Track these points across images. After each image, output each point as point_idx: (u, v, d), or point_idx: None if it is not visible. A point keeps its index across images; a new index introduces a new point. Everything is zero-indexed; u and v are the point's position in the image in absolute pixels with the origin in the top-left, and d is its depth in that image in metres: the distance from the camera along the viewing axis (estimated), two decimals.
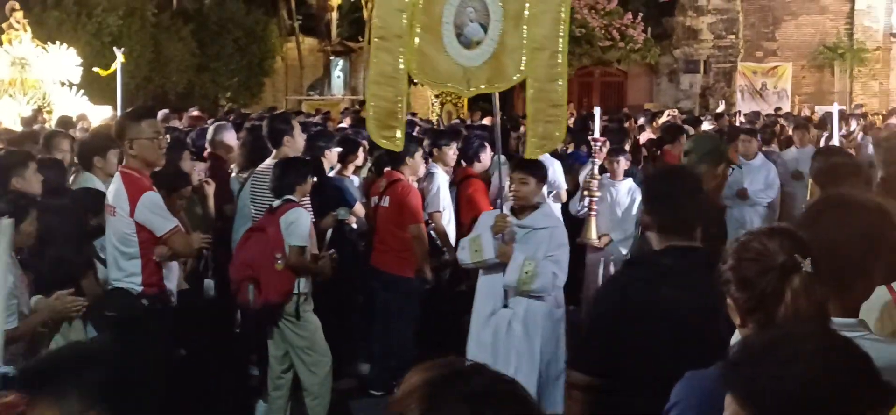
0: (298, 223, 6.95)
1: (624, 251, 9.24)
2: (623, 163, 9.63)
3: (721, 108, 24.09)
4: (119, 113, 12.73)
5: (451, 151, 9.19)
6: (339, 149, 8.87)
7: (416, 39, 6.65)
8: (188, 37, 26.23)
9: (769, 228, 2.72)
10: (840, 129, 16.20)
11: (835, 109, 6.86)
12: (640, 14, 26.32)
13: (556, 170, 10.31)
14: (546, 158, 9.73)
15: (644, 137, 13.36)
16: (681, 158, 11.40)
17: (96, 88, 17.40)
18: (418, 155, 8.52)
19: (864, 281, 2.89)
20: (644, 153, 12.22)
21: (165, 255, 6.08)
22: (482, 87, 6.58)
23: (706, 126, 15.95)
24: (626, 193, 9.50)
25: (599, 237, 9.05)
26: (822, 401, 1.97)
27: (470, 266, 6.93)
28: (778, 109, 26.07)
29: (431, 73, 6.76)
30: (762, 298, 2.60)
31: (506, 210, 6.75)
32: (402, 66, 6.66)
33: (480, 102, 26.11)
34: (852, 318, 2.80)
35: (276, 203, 7.07)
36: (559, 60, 6.14)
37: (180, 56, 25.53)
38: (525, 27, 6.20)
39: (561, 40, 6.14)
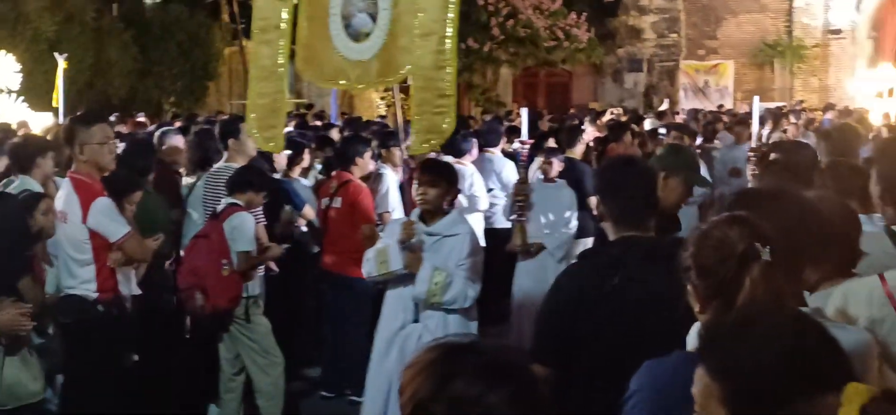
0: (242, 228, 6.92)
1: (558, 256, 8.98)
2: (556, 165, 9.34)
3: (664, 106, 24.33)
4: (61, 120, 12.60)
5: (399, 152, 9.20)
6: (288, 152, 8.86)
7: (303, 33, 6.21)
8: (130, 41, 25.90)
9: (730, 217, 2.76)
10: (780, 126, 16.54)
11: (756, 103, 6.94)
12: (584, 14, 26.46)
13: (507, 171, 10.38)
14: (465, 169, 9.80)
15: (589, 135, 13.44)
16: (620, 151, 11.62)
17: (36, 95, 17.18)
18: (367, 155, 8.54)
19: (799, 271, 2.96)
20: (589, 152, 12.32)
21: (120, 260, 6.04)
22: (372, 82, 6.18)
23: (648, 124, 16.14)
24: (560, 195, 9.22)
25: (531, 244, 8.84)
26: (793, 377, 2.03)
27: (377, 279, 6.42)
28: (720, 106, 26.41)
29: (318, 68, 6.29)
30: (721, 285, 2.64)
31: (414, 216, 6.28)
32: (281, 60, 6.22)
33: None
34: (802, 306, 2.85)
35: (220, 207, 7.05)
36: (447, 47, 5.56)
37: (122, 61, 25.20)
38: (418, 14, 5.64)
39: (449, 25, 5.57)
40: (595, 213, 10.33)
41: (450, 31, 5.57)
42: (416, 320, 6.20)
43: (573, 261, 10.24)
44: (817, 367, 2.05)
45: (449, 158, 9.73)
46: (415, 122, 5.78)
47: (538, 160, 9.53)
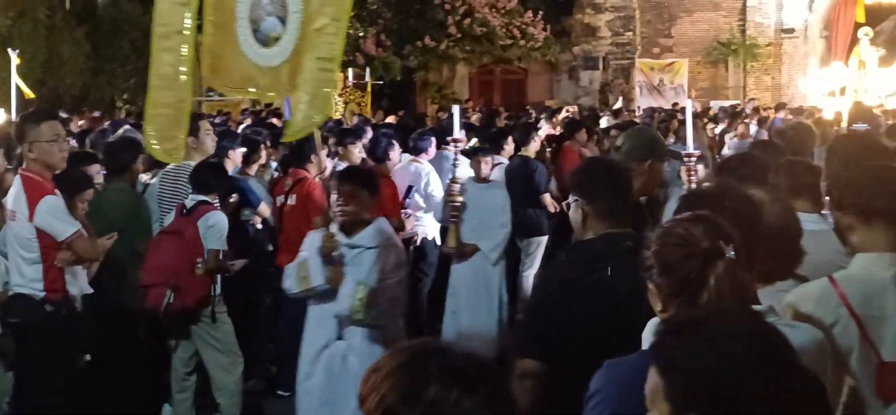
0: (218, 227, 6.90)
1: (493, 257, 8.86)
2: (489, 163, 9.24)
3: (618, 104, 24.46)
4: (14, 116, 12.45)
5: (357, 150, 9.20)
6: (243, 149, 8.82)
7: (209, 39, 5.85)
8: (82, 38, 25.59)
9: (693, 215, 2.76)
10: (734, 125, 16.71)
11: (689, 105, 6.96)
12: (540, 12, 26.57)
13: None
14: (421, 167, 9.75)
15: (544, 133, 13.53)
16: (580, 154, 11.70)
17: None
18: (323, 153, 8.52)
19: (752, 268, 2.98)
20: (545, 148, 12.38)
21: (68, 259, 5.97)
22: (283, 90, 5.71)
23: (604, 122, 16.24)
24: (493, 195, 9.06)
25: (465, 246, 8.66)
26: (740, 380, 2.00)
27: (298, 296, 6.07)
28: (675, 104, 26.59)
29: (226, 76, 5.92)
30: (685, 283, 2.63)
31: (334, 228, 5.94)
32: (184, 68, 5.86)
33: (382, 101, 26.12)
34: (756, 303, 2.85)
35: (189, 204, 6.99)
36: (337, 32, 5.36)
37: (75, 58, 24.91)
38: (325, 9, 5.40)
39: (344, 11, 5.44)
40: (550, 211, 10.47)
41: (344, 16, 5.47)
42: (340, 338, 5.89)
43: (534, 260, 10.27)
44: (764, 372, 2.02)
45: (407, 156, 9.79)
46: (295, 109, 5.51)
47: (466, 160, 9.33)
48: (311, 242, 5.98)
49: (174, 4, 5.90)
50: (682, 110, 22.34)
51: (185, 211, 7.01)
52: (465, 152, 11.20)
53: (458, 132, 8.48)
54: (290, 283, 6.00)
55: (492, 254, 8.86)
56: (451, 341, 6.26)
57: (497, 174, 10.59)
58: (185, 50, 5.86)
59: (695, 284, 2.61)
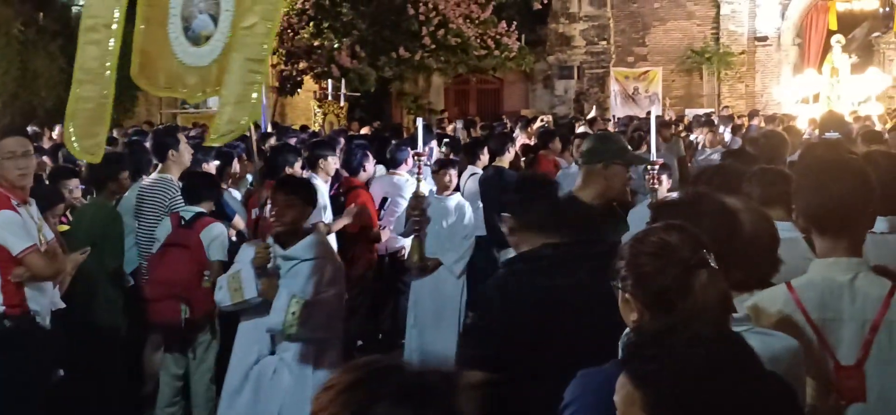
0: (221, 238, 6.91)
1: (457, 271, 8.67)
2: (452, 176, 9.06)
3: (592, 113, 24.53)
4: None
5: (329, 160, 9.19)
6: (217, 162, 8.80)
7: (139, 37, 5.62)
8: (57, 52, 25.43)
9: (665, 224, 2.74)
10: (702, 132, 16.79)
11: (653, 112, 6.98)
12: (515, 22, 26.61)
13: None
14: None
15: (519, 142, 13.55)
16: (555, 163, 11.74)
17: None
18: (297, 165, 8.51)
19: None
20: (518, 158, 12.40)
21: (23, 275, 5.88)
22: (210, 90, 5.41)
23: (580, 131, 16.28)
24: (455, 208, 8.85)
25: (427, 260, 8.52)
26: (708, 389, 2.01)
27: (230, 309, 5.85)
28: (648, 113, 26.65)
29: (153, 76, 5.65)
30: (663, 293, 2.59)
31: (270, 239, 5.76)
32: (109, 62, 5.58)
33: (357, 111, 26.06)
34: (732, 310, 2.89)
35: (187, 216, 6.96)
36: (267, 33, 5.07)
37: (48, 71, 24.76)
38: (255, 8, 5.10)
39: (274, 11, 5.16)
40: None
41: (270, 23, 5.12)
42: (272, 353, 5.69)
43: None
44: (730, 382, 2.04)
45: (381, 168, 9.79)
46: (220, 112, 5.14)
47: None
48: (245, 253, 5.78)
49: None
50: (658, 118, 22.49)
51: (183, 223, 6.96)
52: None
53: (422, 146, 8.43)
54: (222, 295, 5.75)
55: (455, 267, 8.69)
56: (407, 357, 6.12)
57: (471, 185, 10.59)
58: (112, 44, 5.60)
59: (675, 294, 2.57)
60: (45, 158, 10.34)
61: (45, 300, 6.08)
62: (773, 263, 3.34)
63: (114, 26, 5.61)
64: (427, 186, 10.23)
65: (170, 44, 5.46)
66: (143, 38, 5.61)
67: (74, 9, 28.40)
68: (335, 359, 5.67)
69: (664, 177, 8.49)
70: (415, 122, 19.36)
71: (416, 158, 8.42)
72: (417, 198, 8.15)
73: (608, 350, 3.09)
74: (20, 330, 5.89)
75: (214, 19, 5.28)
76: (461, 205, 8.90)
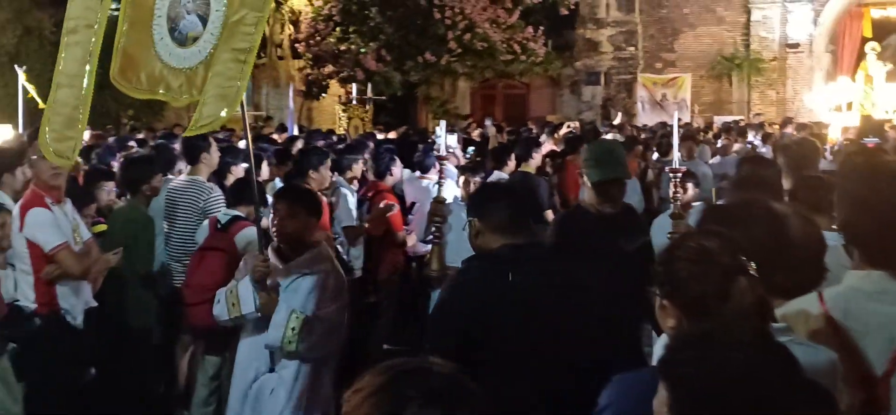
0: (256, 242, 6.87)
1: None
2: (477, 183, 8.60)
3: (618, 119, 24.40)
4: (21, 131, 12.47)
5: (358, 165, 9.16)
6: (246, 165, 8.77)
7: (122, 38, 5.36)
8: None
9: (704, 230, 2.75)
10: (735, 140, 16.64)
11: (675, 119, 6.89)
12: (541, 27, 26.54)
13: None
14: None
15: (546, 148, 13.48)
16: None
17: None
18: (324, 168, 8.46)
19: (770, 287, 2.92)
20: (548, 164, 12.33)
21: (53, 272, 5.98)
22: (196, 93, 5.07)
23: (608, 138, 16.18)
24: None
25: (448, 269, 7.72)
26: (748, 399, 1.98)
27: (228, 323, 5.61)
28: (679, 119, 26.48)
29: (135, 77, 5.33)
30: (701, 298, 2.57)
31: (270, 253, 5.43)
32: (88, 67, 5.37)
33: (381, 116, 26.05)
34: (773, 320, 2.81)
35: (224, 219, 6.95)
36: (256, 24, 4.81)
37: None
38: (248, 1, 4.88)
39: (264, 2, 4.90)
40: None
41: (260, 16, 4.87)
42: (272, 370, 5.45)
43: None
44: (771, 392, 2.00)
45: (407, 172, 9.72)
46: (201, 103, 4.89)
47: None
48: (245, 265, 5.54)
49: (87, 1, 5.42)
50: (686, 126, 22.37)
51: (219, 226, 6.95)
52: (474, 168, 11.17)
53: (443, 150, 8.01)
54: (220, 309, 5.51)
55: None
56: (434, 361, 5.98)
57: None
58: (93, 43, 5.37)
59: (714, 300, 2.55)
60: (78, 159, 10.39)
61: (77, 299, 6.17)
62: (820, 270, 3.30)
63: (95, 26, 5.39)
64: (454, 190, 10.17)
65: (154, 45, 5.23)
66: (126, 40, 5.35)
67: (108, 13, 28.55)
68: (335, 377, 5.44)
69: (690, 185, 8.39)
70: (438, 128, 19.40)
71: (438, 162, 7.96)
72: (438, 203, 7.98)
73: (559, 347, 3.69)
74: (50, 328, 6.00)
75: (203, 20, 5.05)
76: None
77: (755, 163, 6.82)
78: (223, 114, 4.85)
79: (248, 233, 6.86)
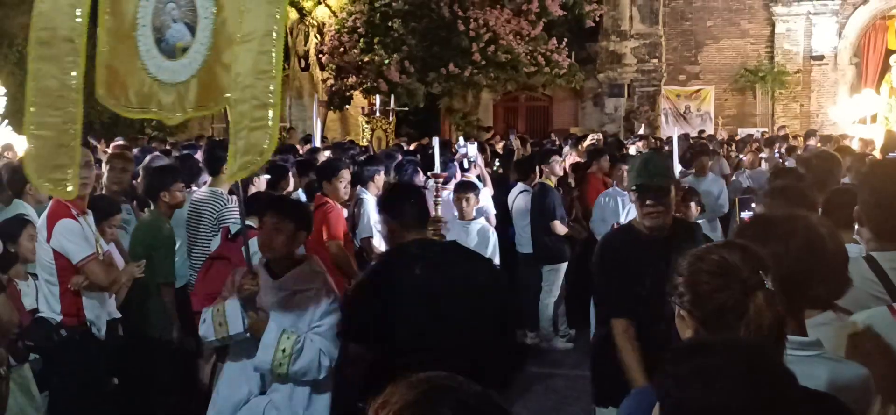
0: None
1: None
2: (473, 201, 8.71)
3: (642, 131, 24.36)
4: None
5: (380, 176, 9.19)
6: (267, 176, 8.83)
7: (104, 49, 4.91)
8: None
9: (727, 243, 2.71)
10: (773, 151, 16.57)
11: (675, 133, 6.75)
12: (565, 40, 26.52)
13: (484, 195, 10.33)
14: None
15: (569, 160, 13.51)
16: (604, 180, 11.69)
17: (21, 118, 17.10)
18: (344, 173, 8.49)
19: (806, 299, 2.94)
20: (570, 176, 12.35)
21: (81, 283, 5.98)
22: (190, 109, 4.70)
23: (633, 150, 16.18)
24: (478, 234, 8.51)
25: None
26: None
27: (215, 344, 5.27)
28: (702, 131, 26.46)
29: (122, 93, 4.88)
30: (721, 312, 2.55)
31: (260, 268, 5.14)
32: (75, 83, 4.86)
33: (404, 127, 26.07)
34: (803, 335, 2.82)
35: (234, 229, 6.99)
36: (270, 49, 4.33)
37: None
38: (243, 13, 4.44)
39: (275, 24, 4.36)
40: (562, 233, 10.41)
41: (276, 30, 4.37)
42: (262, 392, 5.13)
43: (552, 287, 10.14)
44: (763, 408, 1.98)
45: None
46: (232, 140, 4.45)
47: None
48: (233, 282, 5.19)
49: (62, 5, 4.86)
50: (709, 138, 22.31)
51: (230, 236, 6.99)
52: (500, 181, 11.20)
53: (438, 167, 7.94)
54: (206, 329, 5.14)
55: None
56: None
57: (521, 201, 10.58)
58: (71, 60, 4.84)
59: (732, 315, 2.52)
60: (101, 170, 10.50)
61: (102, 310, 6.18)
62: (846, 281, 3.28)
63: (75, 39, 4.87)
64: (486, 193, 10.19)
65: (140, 57, 4.78)
66: (109, 53, 4.88)
67: None
68: (325, 400, 5.15)
69: (692, 203, 8.27)
70: (462, 137, 19.40)
71: (433, 179, 7.81)
72: (434, 221, 7.57)
73: (462, 335, 4.32)
74: (75, 340, 5.99)
75: (191, 28, 4.65)
76: (485, 230, 8.57)
77: (788, 175, 6.85)
78: (266, 145, 4.38)
79: (255, 242, 6.90)
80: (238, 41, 4.41)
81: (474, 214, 8.68)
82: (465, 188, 8.85)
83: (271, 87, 4.32)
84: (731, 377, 1.99)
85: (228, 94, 4.45)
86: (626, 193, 9.92)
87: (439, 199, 7.68)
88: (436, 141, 8.62)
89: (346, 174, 8.52)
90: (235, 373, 5.19)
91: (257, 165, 4.56)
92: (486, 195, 10.30)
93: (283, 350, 4.89)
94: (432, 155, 12.26)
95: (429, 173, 8.72)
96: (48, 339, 5.98)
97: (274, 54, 4.34)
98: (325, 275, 5.26)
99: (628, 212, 9.80)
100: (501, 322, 4.92)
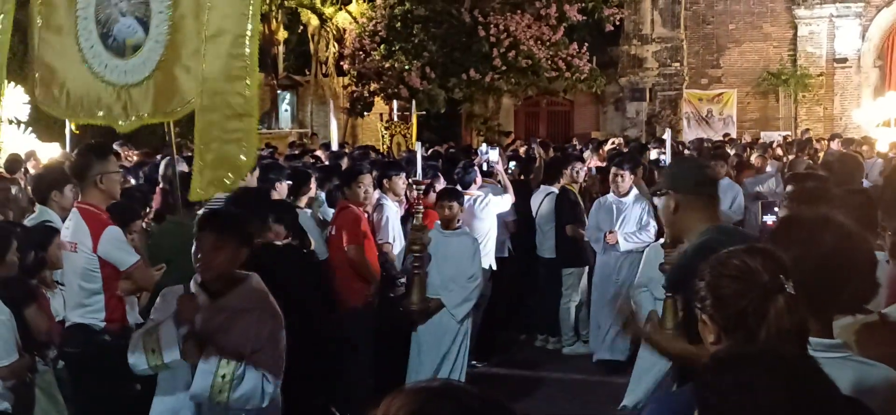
0: None
1: (459, 314, 7.86)
2: (456, 210, 8.15)
3: (665, 135, 24.24)
4: (68, 150, 12.65)
5: (401, 182, 9.17)
6: (289, 183, 8.83)
7: (36, 43, 4.43)
8: None
9: (749, 247, 2.68)
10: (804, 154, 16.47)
11: (668, 136, 6.59)
12: (586, 44, 26.47)
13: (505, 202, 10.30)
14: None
15: (592, 164, 13.49)
16: None
17: (44, 126, 17.22)
18: (366, 178, 8.47)
19: (836, 302, 2.90)
20: (590, 181, 12.31)
21: (130, 289, 6.05)
22: (145, 115, 4.26)
23: (654, 155, 16.12)
24: (461, 244, 8.08)
25: (429, 300, 7.74)
26: None
27: (147, 373, 4.70)
28: (726, 135, 26.36)
29: (64, 97, 4.44)
30: (742, 316, 2.54)
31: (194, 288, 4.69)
32: None
33: (424, 132, 26.10)
34: (829, 338, 2.79)
35: None
36: (244, 51, 3.89)
37: None
38: (207, 9, 3.95)
39: (249, 22, 3.91)
40: (585, 238, 10.37)
41: (249, 28, 3.94)
42: None
43: (572, 291, 10.10)
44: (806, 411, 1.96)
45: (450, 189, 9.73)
46: (198, 152, 4.08)
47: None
48: (165, 302, 4.75)
49: None
50: (731, 141, 22.19)
51: None
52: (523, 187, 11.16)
53: (420, 174, 7.66)
54: (136, 358, 4.63)
55: (457, 310, 7.90)
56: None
57: (547, 205, 10.57)
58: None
59: (753, 319, 2.51)
60: (129, 177, 10.65)
61: (133, 315, 6.24)
62: (874, 285, 3.23)
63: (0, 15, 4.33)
64: (507, 199, 10.16)
65: (81, 54, 4.29)
66: (43, 46, 4.38)
67: None
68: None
69: None
70: (483, 143, 19.38)
71: (414, 186, 7.54)
72: (416, 232, 7.43)
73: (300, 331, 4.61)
74: (117, 345, 6.02)
75: (143, 24, 4.15)
76: (467, 241, 8.18)
77: (812, 178, 6.79)
78: (226, 181, 4.09)
79: None
80: (205, 40, 3.98)
81: (459, 223, 8.23)
82: (448, 196, 8.27)
83: (247, 94, 3.93)
84: (773, 391, 1.97)
85: (191, 99, 4.01)
86: (621, 199, 9.83)
87: (418, 209, 7.43)
88: (418, 146, 8.35)
89: (367, 179, 8.49)
90: (167, 405, 4.71)
91: (232, 183, 4.23)
92: (506, 201, 10.27)
93: (223, 376, 4.43)
94: (455, 158, 12.28)
95: (410, 180, 8.50)
96: (87, 345, 6.01)
97: (248, 58, 3.95)
98: (268, 295, 4.75)
99: (623, 220, 9.68)
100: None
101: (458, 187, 9.69)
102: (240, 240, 4.64)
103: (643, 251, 8.58)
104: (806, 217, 3.37)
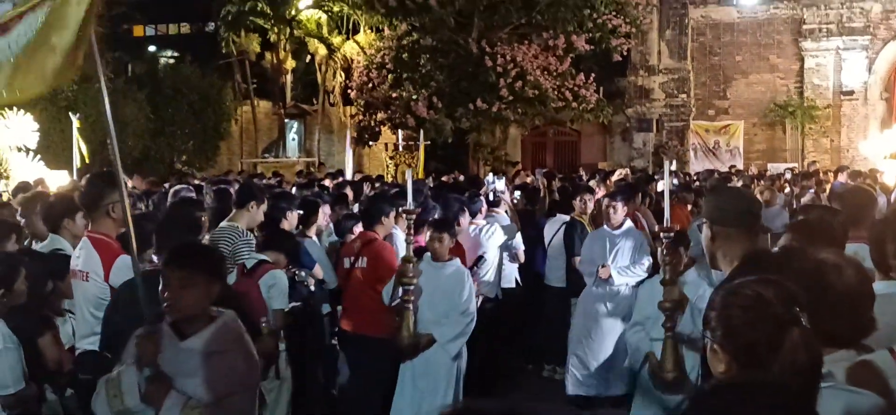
0: (279, 285, 6.92)
1: (452, 350, 7.49)
2: (446, 242, 7.74)
3: (667, 165, 24.22)
4: (75, 178, 12.71)
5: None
6: (300, 211, 8.86)
7: None
8: (143, 101, 26.13)
9: (762, 278, 2.66)
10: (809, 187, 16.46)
11: (667, 166, 6.32)
12: (593, 74, 26.54)
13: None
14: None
15: (599, 194, 13.51)
16: (632, 214, 11.61)
17: (52, 154, 17.33)
18: (392, 215, 8.45)
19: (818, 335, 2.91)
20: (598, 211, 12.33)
21: None
22: (3, 92, 3.83)
23: (660, 186, 16.14)
24: (452, 277, 7.64)
25: (419, 336, 7.35)
26: None
27: None
28: (732, 166, 26.38)
29: None
30: (752, 346, 2.52)
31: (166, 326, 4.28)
32: None
33: (431, 162, 26.13)
34: None
35: (250, 264, 7.02)
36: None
37: (136, 120, 25.41)
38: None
39: None
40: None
41: None
42: None
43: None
44: None
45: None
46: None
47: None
48: (130, 347, 4.33)
49: None
50: (738, 173, 22.21)
51: (246, 271, 7.02)
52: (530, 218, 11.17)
53: (411, 203, 7.33)
54: (100, 405, 4.28)
55: (450, 346, 7.51)
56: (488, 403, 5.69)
57: (561, 234, 10.60)
58: None
59: (765, 350, 2.49)
60: (139, 204, 10.70)
61: None
62: (867, 322, 3.20)
63: None
64: (514, 230, 10.17)
65: None
66: None
67: (162, 60, 29.16)
68: None
69: (681, 249, 7.05)
70: (490, 172, 19.38)
71: (405, 215, 7.27)
72: (406, 263, 7.15)
73: None
74: None
75: None
76: (459, 273, 7.74)
77: (811, 211, 6.77)
78: (36, 88, 3.81)
79: (271, 276, 6.91)
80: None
81: (447, 255, 7.82)
82: (440, 227, 7.89)
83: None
84: None
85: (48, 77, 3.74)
86: (614, 232, 9.51)
87: (410, 239, 7.20)
88: (408, 174, 7.97)
89: (393, 211, 8.49)
90: None
91: (41, 89, 3.92)
92: (513, 230, 10.28)
93: None
94: (463, 189, 12.29)
95: (400, 209, 8.37)
96: (97, 371, 6.03)
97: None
98: (244, 334, 4.39)
99: (617, 252, 9.48)
100: None
101: (467, 213, 9.67)
102: (210, 275, 4.28)
103: (635, 287, 8.42)
104: (788, 249, 3.38)
